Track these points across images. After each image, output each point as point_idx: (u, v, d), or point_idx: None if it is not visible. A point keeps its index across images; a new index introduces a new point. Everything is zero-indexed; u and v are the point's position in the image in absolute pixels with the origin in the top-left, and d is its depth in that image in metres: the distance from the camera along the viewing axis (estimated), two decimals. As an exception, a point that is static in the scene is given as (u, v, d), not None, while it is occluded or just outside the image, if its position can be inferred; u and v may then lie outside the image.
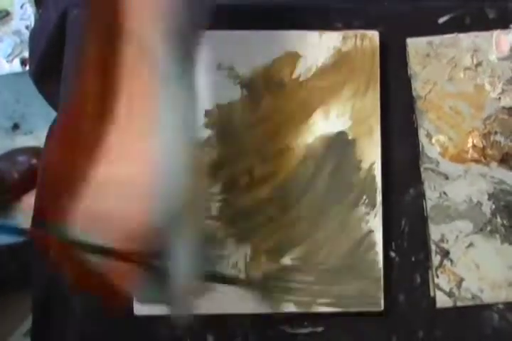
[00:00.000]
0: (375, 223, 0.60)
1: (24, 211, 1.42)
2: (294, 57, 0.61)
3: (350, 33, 0.61)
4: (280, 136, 0.60)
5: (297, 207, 0.60)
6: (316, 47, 0.61)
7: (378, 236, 0.59)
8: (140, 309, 0.58)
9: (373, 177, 0.60)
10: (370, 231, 0.59)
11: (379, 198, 0.60)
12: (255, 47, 0.61)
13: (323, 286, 0.59)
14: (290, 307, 0.59)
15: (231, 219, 0.60)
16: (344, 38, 0.61)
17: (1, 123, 1.45)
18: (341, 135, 0.60)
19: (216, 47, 0.60)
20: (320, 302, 0.59)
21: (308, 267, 0.59)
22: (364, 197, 0.60)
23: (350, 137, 0.60)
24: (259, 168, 0.60)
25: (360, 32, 0.61)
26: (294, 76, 0.61)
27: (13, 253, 1.30)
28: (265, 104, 0.60)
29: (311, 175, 0.60)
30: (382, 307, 0.59)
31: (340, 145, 0.60)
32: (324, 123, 0.60)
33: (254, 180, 0.60)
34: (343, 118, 0.60)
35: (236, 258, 0.59)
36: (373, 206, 0.60)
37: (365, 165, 0.60)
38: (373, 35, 0.60)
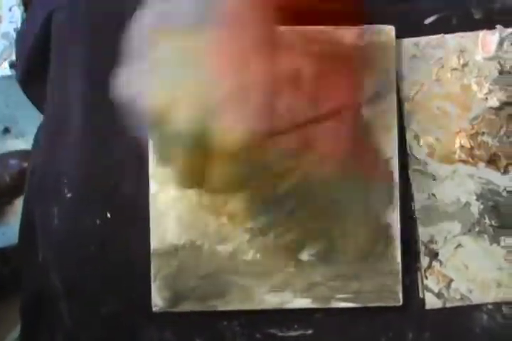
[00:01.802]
0: (392, 218, 0.59)
1: (16, 215, 1.41)
2: None
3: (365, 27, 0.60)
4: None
5: (316, 203, 0.59)
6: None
7: (396, 231, 0.59)
8: (158, 305, 0.59)
9: (391, 172, 0.60)
10: (389, 226, 0.59)
11: (396, 193, 0.59)
12: None
13: (341, 282, 0.59)
14: (308, 303, 0.59)
15: (248, 215, 0.59)
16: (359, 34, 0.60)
17: (-8, 127, 1.44)
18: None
19: None
20: (338, 298, 0.59)
21: (326, 262, 0.59)
22: (381, 192, 0.60)
23: (367, 132, 0.60)
24: (278, 163, 0.59)
25: (376, 27, 0.60)
26: None
27: (5, 258, 1.30)
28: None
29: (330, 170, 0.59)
30: (401, 302, 0.59)
31: None
32: None
33: (273, 175, 0.59)
34: None
35: (252, 253, 0.59)
36: (391, 201, 0.60)
37: (382, 160, 0.60)
38: (390, 30, 0.60)
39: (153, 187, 0.59)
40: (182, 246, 0.59)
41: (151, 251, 0.59)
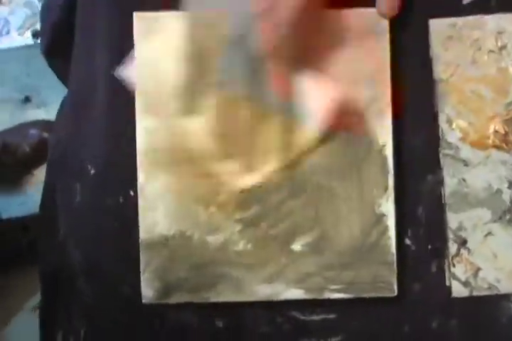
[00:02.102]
0: (387, 207, 0.58)
1: (35, 185, 1.41)
2: None
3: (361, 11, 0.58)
4: None
5: (308, 191, 0.58)
6: None
7: (391, 221, 0.58)
8: (148, 297, 0.58)
9: (385, 160, 0.58)
10: (383, 215, 0.58)
11: (391, 181, 0.58)
12: None
13: (334, 272, 0.58)
14: (301, 295, 0.58)
15: (239, 205, 0.58)
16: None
17: (13, 96, 1.44)
18: None
19: None
20: (332, 289, 0.58)
21: (319, 252, 0.58)
22: (375, 180, 0.58)
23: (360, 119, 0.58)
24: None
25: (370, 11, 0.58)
26: None
27: (25, 228, 1.30)
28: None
29: (320, 158, 0.58)
30: (396, 293, 0.58)
31: None
32: None
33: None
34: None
35: (243, 244, 0.58)
36: (385, 189, 0.58)
37: (376, 147, 0.58)
38: None
39: (141, 177, 0.58)
40: (172, 236, 0.58)
41: (140, 242, 0.58)
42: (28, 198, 1.40)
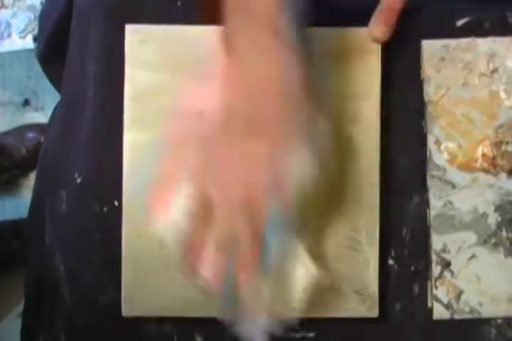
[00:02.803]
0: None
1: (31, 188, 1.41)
2: None
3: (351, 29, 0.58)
4: None
5: None
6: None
7: (375, 240, 0.57)
8: (128, 310, 0.57)
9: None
10: (366, 234, 0.57)
11: (376, 201, 0.58)
12: None
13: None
14: None
15: None
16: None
17: (12, 99, 1.44)
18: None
19: None
20: (312, 307, 0.57)
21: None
22: (361, 202, 0.57)
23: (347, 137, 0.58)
24: None
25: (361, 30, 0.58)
26: None
27: (16, 231, 1.30)
28: None
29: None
30: (377, 313, 0.57)
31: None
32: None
33: None
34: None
35: None
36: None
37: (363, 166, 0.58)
38: None
39: (125, 187, 0.58)
40: (153, 250, 0.57)
41: (123, 255, 0.57)
42: (23, 201, 1.40)
